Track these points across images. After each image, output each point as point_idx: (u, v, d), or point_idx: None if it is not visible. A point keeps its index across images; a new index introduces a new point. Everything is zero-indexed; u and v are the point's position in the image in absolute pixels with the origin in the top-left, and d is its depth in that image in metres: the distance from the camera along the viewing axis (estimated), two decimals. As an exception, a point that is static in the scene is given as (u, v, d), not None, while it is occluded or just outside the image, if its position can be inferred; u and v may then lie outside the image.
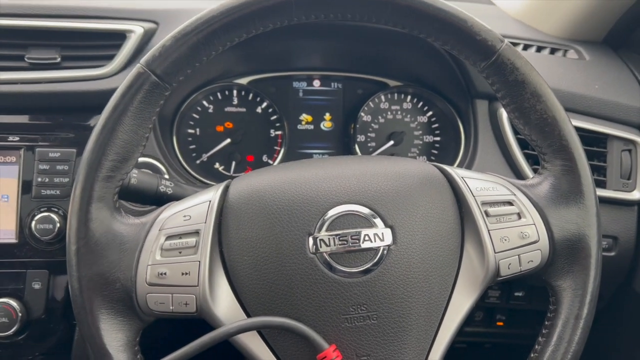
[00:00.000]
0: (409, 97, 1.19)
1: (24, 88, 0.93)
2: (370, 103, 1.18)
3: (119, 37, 0.96)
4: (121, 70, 0.95)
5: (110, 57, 0.95)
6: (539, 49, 1.18)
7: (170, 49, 0.61)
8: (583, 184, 0.66)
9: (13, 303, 0.89)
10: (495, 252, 0.65)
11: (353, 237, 0.61)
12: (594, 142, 1.05)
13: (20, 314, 0.89)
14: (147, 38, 0.98)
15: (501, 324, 1.28)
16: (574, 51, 1.19)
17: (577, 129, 1.00)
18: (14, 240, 0.90)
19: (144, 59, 0.62)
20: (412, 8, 0.63)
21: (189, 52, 0.62)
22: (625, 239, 1.04)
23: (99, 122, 0.61)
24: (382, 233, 0.62)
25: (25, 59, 0.94)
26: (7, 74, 0.93)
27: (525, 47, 1.17)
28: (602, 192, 1.01)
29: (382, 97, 1.19)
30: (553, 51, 1.19)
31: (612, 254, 1.04)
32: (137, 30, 0.97)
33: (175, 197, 0.79)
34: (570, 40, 1.22)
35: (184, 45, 0.61)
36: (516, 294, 1.19)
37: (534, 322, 1.27)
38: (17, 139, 0.92)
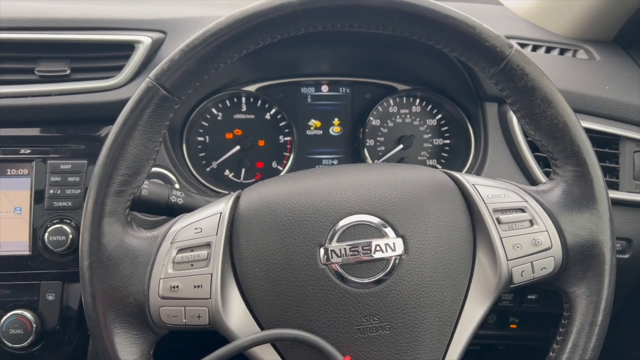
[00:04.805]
0: (417, 101, 1.19)
1: (34, 101, 0.93)
2: (379, 107, 1.18)
3: (128, 47, 0.97)
4: (130, 81, 0.95)
5: (119, 68, 0.96)
6: (548, 50, 1.17)
7: (179, 63, 0.61)
8: (595, 189, 0.66)
9: (28, 314, 0.89)
10: (507, 260, 0.64)
11: (364, 248, 0.61)
12: (606, 144, 1.04)
13: (34, 325, 0.89)
14: (155, 48, 0.98)
15: (515, 326, 1.27)
16: (583, 51, 1.18)
17: (589, 130, 1.00)
18: (27, 252, 0.91)
19: (152, 73, 0.62)
20: (420, 16, 0.62)
21: (197, 65, 0.62)
22: (639, 241, 1.03)
23: (109, 137, 0.61)
24: (394, 243, 0.62)
25: (35, 72, 0.94)
26: (18, 87, 0.93)
27: (534, 48, 1.16)
28: (614, 194, 1.00)
29: (391, 101, 1.18)
30: (562, 52, 1.18)
31: (626, 256, 1.03)
32: (145, 40, 0.97)
33: (187, 207, 0.79)
34: (580, 40, 1.21)
35: (192, 58, 0.61)
36: (529, 296, 1.18)
37: (547, 325, 1.26)
38: (28, 151, 0.93)
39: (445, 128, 1.19)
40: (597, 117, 1.04)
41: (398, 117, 1.19)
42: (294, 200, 0.64)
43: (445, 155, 1.19)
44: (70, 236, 0.89)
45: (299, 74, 1.18)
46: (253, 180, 1.15)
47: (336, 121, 1.20)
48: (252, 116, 1.15)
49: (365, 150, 1.16)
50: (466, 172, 1.05)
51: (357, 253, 0.61)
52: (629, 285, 1.12)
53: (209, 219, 0.65)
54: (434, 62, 1.11)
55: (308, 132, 1.19)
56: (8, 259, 0.91)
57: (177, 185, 0.97)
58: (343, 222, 0.62)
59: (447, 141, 1.19)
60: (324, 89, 1.19)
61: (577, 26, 1.19)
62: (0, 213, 0.91)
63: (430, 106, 1.19)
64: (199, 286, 0.61)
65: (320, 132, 1.19)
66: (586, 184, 0.66)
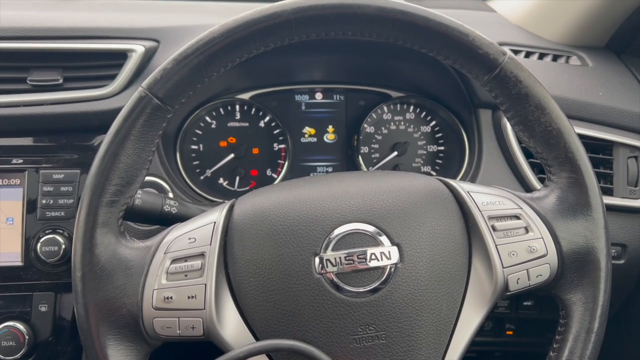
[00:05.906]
0: (411, 108, 1.19)
1: (26, 110, 0.92)
2: (373, 114, 1.17)
3: (120, 56, 0.96)
4: (123, 90, 0.94)
5: (112, 77, 0.95)
6: (541, 56, 1.17)
7: (172, 72, 0.61)
8: (590, 195, 0.66)
9: (20, 326, 0.88)
10: (503, 267, 0.64)
11: (359, 256, 0.60)
12: (599, 150, 1.04)
13: (27, 337, 0.88)
14: (148, 57, 0.98)
15: (511, 333, 1.27)
16: (576, 57, 1.18)
17: (582, 136, 1.00)
18: (19, 263, 0.90)
19: (145, 82, 0.61)
20: (414, 24, 0.62)
21: (190, 74, 0.61)
22: (633, 247, 1.03)
23: (101, 147, 0.61)
24: (389, 251, 0.61)
25: (28, 81, 0.93)
26: (10, 97, 0.93)
27: (527, 55, 1.17)
28: (609, 200, 1.00)
29: (385, 108, 1.18)
30: (555, 58, 1.18)
31: (621, 261, 1.03)
32: (138, 49, 0.97)
33: (180, 217, 0.79)
34: (573, 46, 1.21)
35: (185, 67, 0.61)
36: (525, 303, 1.17)
37: (544, 331, 1.26)
38: (20, 161, 0.92)
39: (440, 135, 1.19)
40: (591, 123, 1.04)
41: (392, 124, 1.19)
42: (289, 209, 0.63)
43: (440, 161, 1.19)
44: (63, 246, 0.88)
45: (293, 82, 1.18)
46: (247, 188, 1.14)
47: (330, 128, 1.20)
48: (246, 124, 1.15)
49: (360, 157, 1.16)
50: (461, 179, 1.05)
51: (352, 262, 0.60)
52: (625, 290, 1.12)
53: (203, 228, 0.64)
54: (428, 69, 1.12)
55: (302, 140, 1.19)
56: (0, 270, 0.90)
57: (170, 194, 0.96)
58: (338, 231, 0.62)
59: (442, 148, 1.19)
60: (318, 96, 1.19)
61: (570, 32, 1.20)
62: (-8, 224, 0.90)
63: (424, 113, 1.19)
64: (193, 297, 0.60)
65: (315, 139, 1.19)
66: (581, 191, 0.66)
